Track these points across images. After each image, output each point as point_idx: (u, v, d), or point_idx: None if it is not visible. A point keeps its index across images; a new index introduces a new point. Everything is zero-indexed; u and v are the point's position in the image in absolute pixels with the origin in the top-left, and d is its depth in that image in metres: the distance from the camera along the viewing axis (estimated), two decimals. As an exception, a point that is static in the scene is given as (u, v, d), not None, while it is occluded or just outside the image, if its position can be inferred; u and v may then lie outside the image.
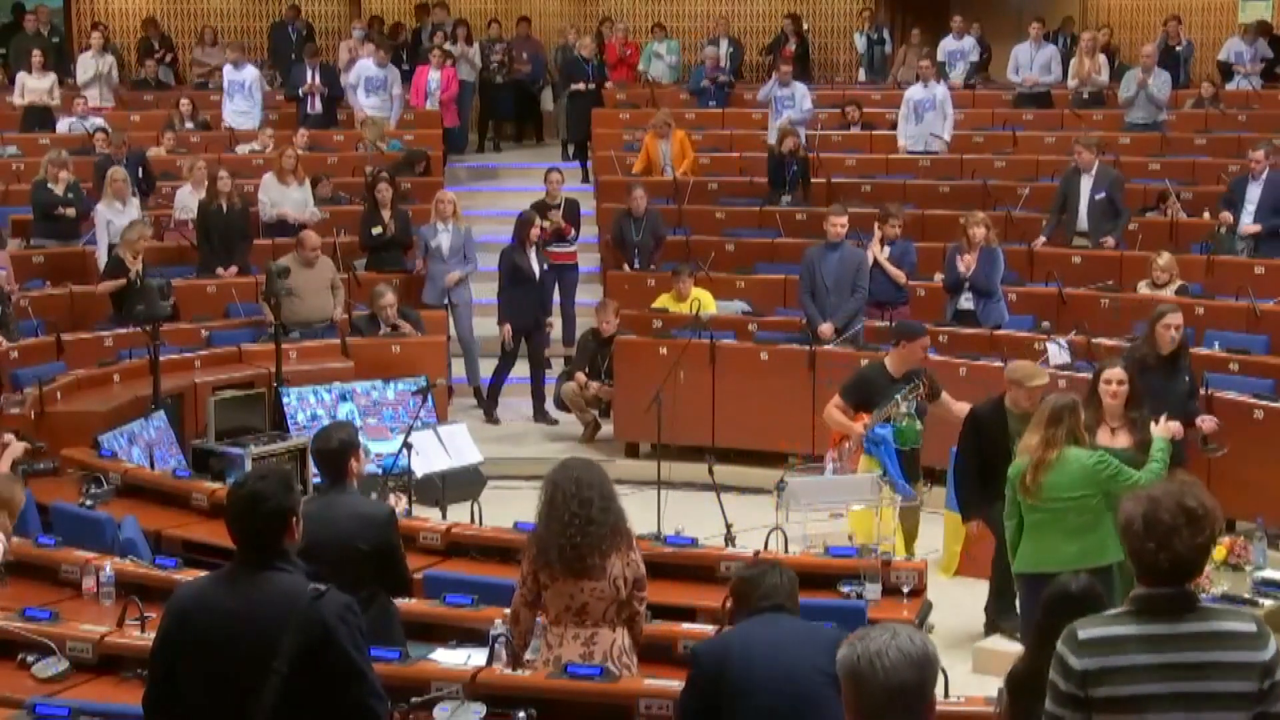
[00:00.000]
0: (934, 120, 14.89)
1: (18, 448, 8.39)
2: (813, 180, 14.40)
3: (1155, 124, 14.89)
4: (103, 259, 12.38)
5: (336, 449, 5.76)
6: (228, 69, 16.11)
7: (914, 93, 15.06)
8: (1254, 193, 12.18)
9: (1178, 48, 16.42)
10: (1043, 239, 12.69)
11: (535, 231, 12.29)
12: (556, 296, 13.37)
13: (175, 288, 11.56)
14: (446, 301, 12.68)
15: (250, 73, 16.09)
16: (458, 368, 12.82)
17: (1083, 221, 12.55)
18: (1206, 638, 3.45)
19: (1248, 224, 12.15)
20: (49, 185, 12.88)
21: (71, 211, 12.91)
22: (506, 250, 12.39)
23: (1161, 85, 14.88)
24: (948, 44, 17.14)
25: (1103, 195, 12.52)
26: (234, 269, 12.70)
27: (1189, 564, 3.47)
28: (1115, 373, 7.41)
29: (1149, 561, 3.46)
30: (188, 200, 13.17)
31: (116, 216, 12.50)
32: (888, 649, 3.00)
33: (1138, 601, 3.51)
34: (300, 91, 16.13)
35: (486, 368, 12.87)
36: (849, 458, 8.52)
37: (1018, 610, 7.38)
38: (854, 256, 11.38)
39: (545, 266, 12.40)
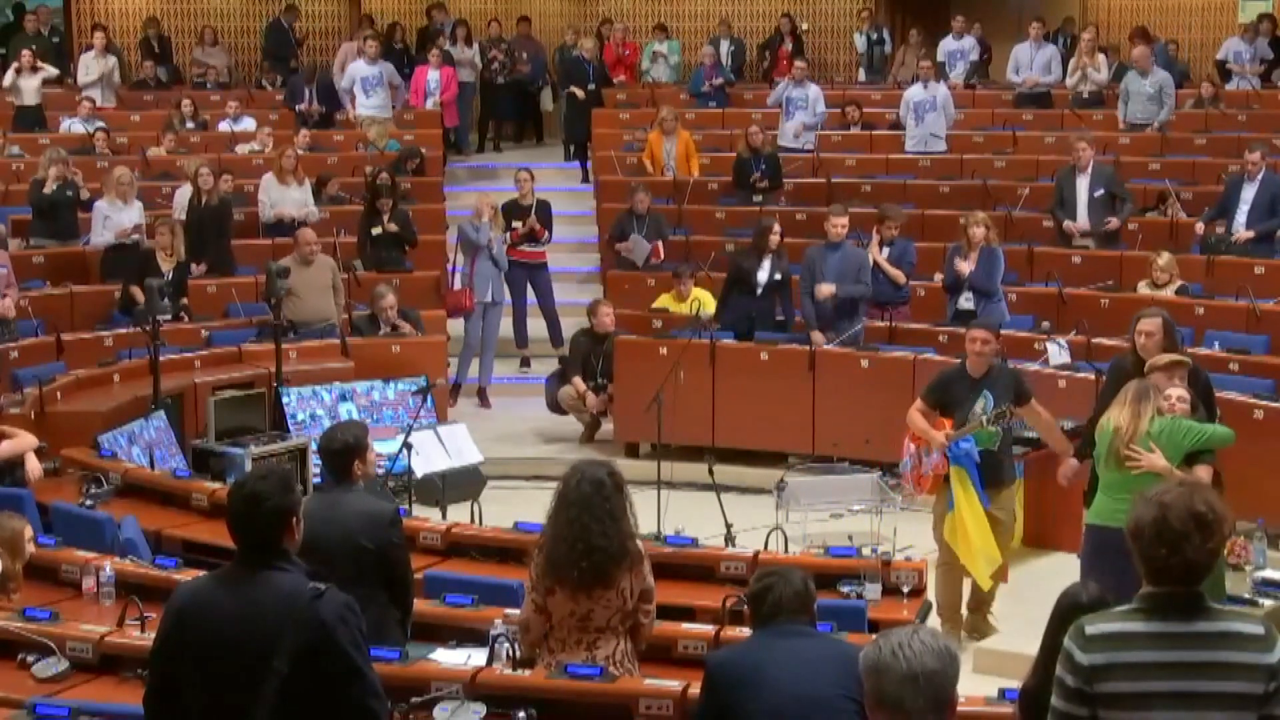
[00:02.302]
0: (935, 121, 14.89)
1: (37, 466, 8.28)
2: (806, 180, 14.40)
3: (1158, 125, 14.85)
4: (98, 240, 12.53)
5: (339, 450, 5.75)
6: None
7: (914, 93, 15.06)
8: (1249, 193, 12.17)
9: (1156, 54, 16.42)
10: (1068, 221, 12.60)
11: (775, 239, 11.60)
12: (532, 297, 13.36)
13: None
14: (489, 299, 12.61)
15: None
16: (462, 366, 12.77)
17: (1083, 220, 12.56)
18: (1214, 638, 3.45)
19: (1241, 226, 12.14)
20: (44, 185, 12.88)
21: (69, 194, 12.91)
22: (735, 254, 11.99)
23: (1166, 84, 14.88)
24: (947, 44, 17.13)
25: (1101, 192, 12.54)
26: (204, 266, 12.60)
27: (1200, 568, 3.48)
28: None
29: (1160, 566, 3.47)
30: (185, 200, 13.15)
31: (116, 213, 12.51)
32: (910, 641, 3.06)
33: (1146, 600, 3.51)
34: (298, 109, 16.03)
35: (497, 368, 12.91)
36: (935, 465, 8.09)
37: None
38: (855, 255, 11.38)
39: (778, 276, 11.67)
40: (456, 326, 13.15)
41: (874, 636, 3.15)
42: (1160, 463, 6.81)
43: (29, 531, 6.66)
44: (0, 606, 6.19)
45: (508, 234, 13.22)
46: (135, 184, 12.91)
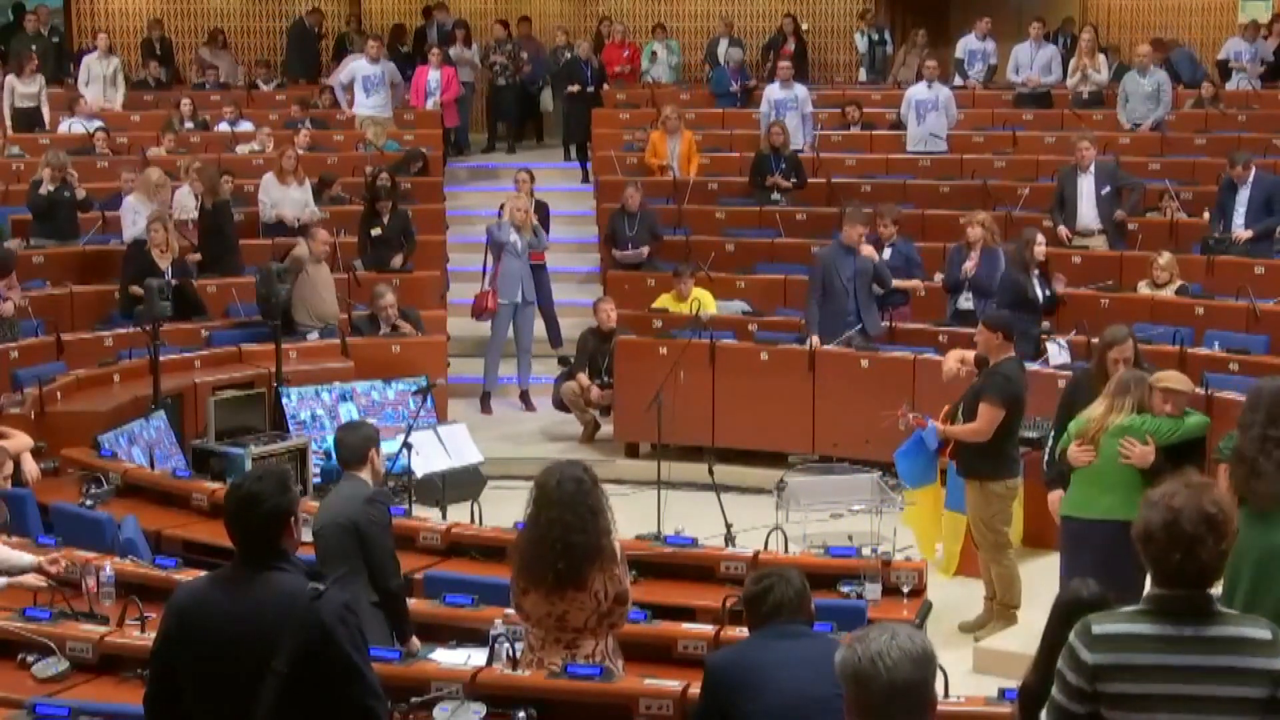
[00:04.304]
0: (936, 121, 14.89)
1: (34, 466, 8.15)
2: (809, 180, 14.39)
3: (1153, 122, 14.86)
4: (130, 233, 12.47)
5: (359, 443, 6.05)
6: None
7: (916, 93, 15.06)
8: (1243, 195, 12.21)
9: (1175, 60, 16.41)
10: (1063, 227, 12.64)
11: (1040, 250, 10.93)
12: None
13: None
14: (519, 299, 12.52)
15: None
16: (489, 369, 12.67)
17: (1087, 220, 12.58)
18: (1221, 642, 3.44)
19: (1239, 228, 12.17)
20: (43, 187, 12.88)
21: (67, 195, 12.89)
22: (1008, 269, 11.11)
23: (1164, 82, 14.90)
24: (969, 42, 17.00)
25: (1108, 189, 12.56)
26: (197, 255, 12.45)
27: (1212, 569, 3.47)
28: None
29: (1172, 571, 3.45)
30: (186, 201, 13.15)
31: (146, 210, 12.50)
32: (889, 649, 3.02)
33: (1154, 602, 3.50)
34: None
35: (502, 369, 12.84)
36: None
37: None
38: (868, 260, 11.39)
39: (1049, 291, 11.00)
40: (456, 327, 13.19)
41: (849, 638, 3.11)
42: (1149, 457, 6.83)
43: (7, 469, 6.86)
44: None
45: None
46: (168, 185, 12.91)
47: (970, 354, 8.60)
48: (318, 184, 14.06)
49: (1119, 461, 6.95)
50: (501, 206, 13.63)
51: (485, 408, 12.60)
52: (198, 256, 12.53)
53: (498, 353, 12.69)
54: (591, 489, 5.13)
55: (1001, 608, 8.11)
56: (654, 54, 18.13)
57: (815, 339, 11.14)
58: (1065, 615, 4.44)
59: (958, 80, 16.56)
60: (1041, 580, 7.88)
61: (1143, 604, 3.52)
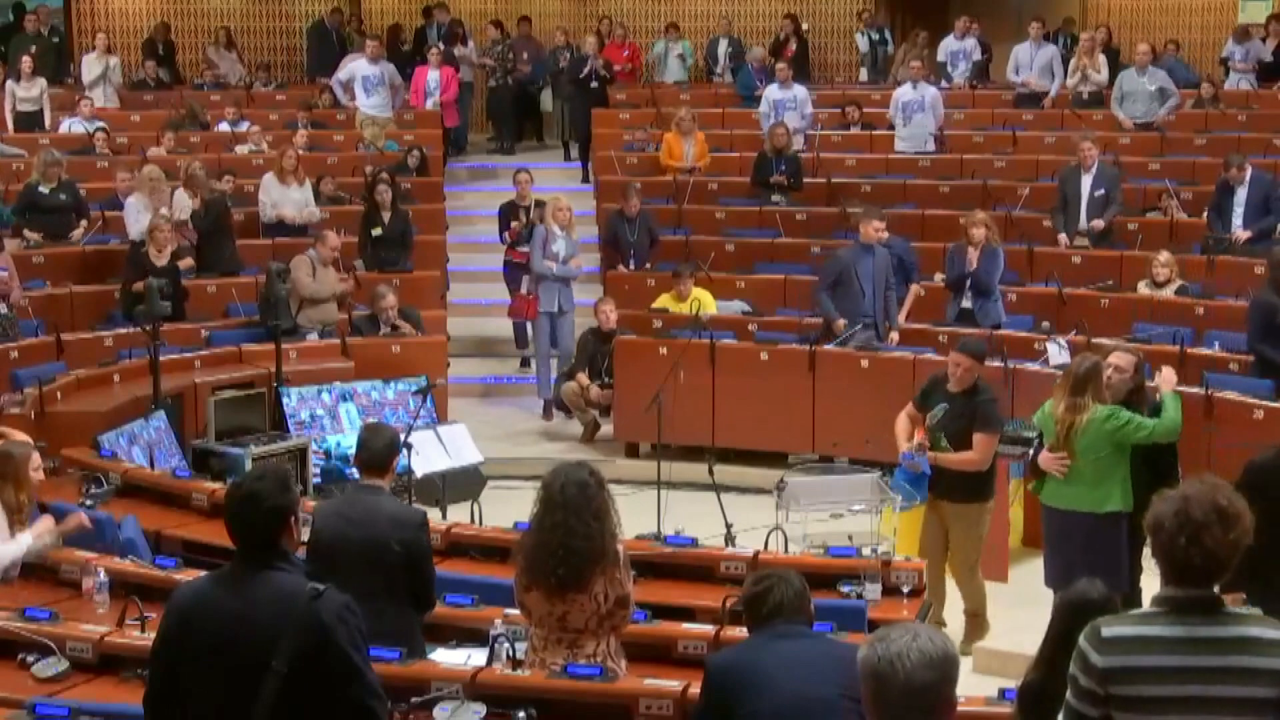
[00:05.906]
0: (923, 122, 14.88)
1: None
2: (805, 180, 14.38)
3: (1159, 120, 14.86)
4: (135, 232, 12.40)
5: (384, 448, 5.77)
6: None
7: (903, 94, 15.08)
8: (1240, 196, 12.23)
9: (1165, 65, 16.45)
10: (1063, 235, 12.68)
11: None
12: None
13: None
14: (555, 309, 12.45)
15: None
16: (539, 374, 12.67)
17: (1085, 219, 12.57)
18: (1232, 643, 3.44)
19: (1239, 228, 12.17)
20: (40, 187, 12.87)
21: (63, 197, 12.88)
22: (1260, 293, 10.15)
23: (1165, 81, 14.92)
24: (949, 44, 17.10)
25: (1101, 192, 12.57)
26: (190, 260, 12.38)
27: (1219, 562, 3.45)
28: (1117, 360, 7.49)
29: (1180, 558, 3.44)
30: (183, 201, 13.13)
31: (150, 208, 12.48)
32: (909, 650, 3.02)
33: (1165, 603, 3.49)
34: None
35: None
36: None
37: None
38: (885, 258, 11.40)
39: None
40: (456, 327, 13.18)
41: (872, 636, 3.12)
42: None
43: (35, 459, 6.81)
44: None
45: (505, 234, 13.21)
46: (164, 181, 12.90)
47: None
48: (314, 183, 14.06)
49: (1091, 457, 7.14)
50: (503, 208, 13.60)
51: (548, 414, 12.49)
52: (189, 261, 12.42)
53: (547, 360, 12.54)
54: (597, 492, 5.12)
55: (977, 619, 8.10)
56: (679, 55, 18.10)
57: (840, 323, 11.14)
58: (1070, 614, 4.44)
59: (944, 83, 16.55)
60: (1041, 580, 7.86)
61: (1152, 605, 3.53)
